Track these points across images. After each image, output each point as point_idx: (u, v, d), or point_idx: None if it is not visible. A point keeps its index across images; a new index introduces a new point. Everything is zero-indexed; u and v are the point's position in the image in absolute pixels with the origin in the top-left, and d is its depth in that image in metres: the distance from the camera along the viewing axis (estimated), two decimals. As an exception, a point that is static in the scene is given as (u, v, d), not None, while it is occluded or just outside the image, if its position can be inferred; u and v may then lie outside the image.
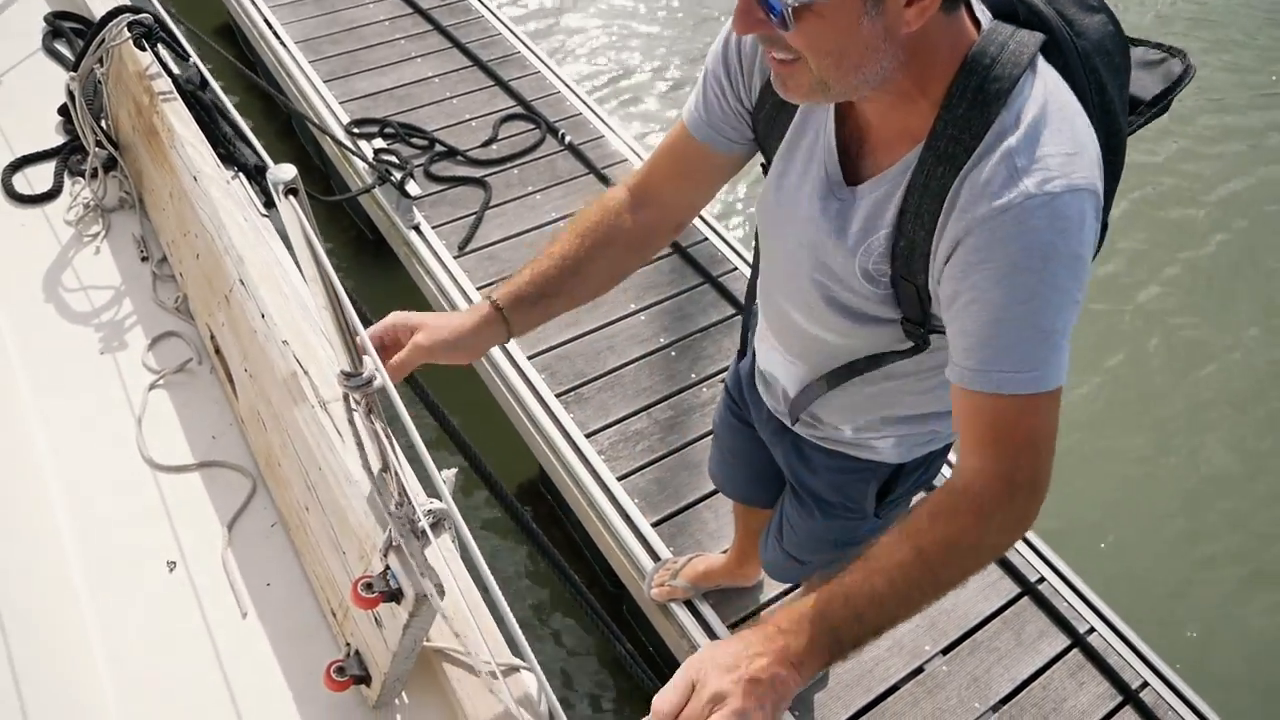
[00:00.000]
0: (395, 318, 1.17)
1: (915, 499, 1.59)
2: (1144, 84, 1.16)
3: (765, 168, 1.21)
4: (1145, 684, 2.44)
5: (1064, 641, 2.50)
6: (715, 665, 0.85)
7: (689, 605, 2.46)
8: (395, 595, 1.13)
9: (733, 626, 2.43)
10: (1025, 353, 0.94)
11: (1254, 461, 3.56)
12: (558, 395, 2.94)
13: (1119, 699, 2.42)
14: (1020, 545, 2.63)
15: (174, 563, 1.39)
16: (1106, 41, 1.07)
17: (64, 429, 1.55)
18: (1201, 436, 3.63)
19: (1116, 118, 1.07)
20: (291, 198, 0.90)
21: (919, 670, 2.43)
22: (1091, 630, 2.52)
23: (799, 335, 1.29)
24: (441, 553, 1.18)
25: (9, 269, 1.81)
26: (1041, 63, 0.97)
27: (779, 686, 0.85)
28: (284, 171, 0.90)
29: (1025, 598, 2.57)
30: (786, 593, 2.50)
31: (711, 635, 2.40)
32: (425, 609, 1.11)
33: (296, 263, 1.23)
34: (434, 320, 1.18)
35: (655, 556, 2.55)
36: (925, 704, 2.38)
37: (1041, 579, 2.60)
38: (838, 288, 1.14)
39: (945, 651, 2.46)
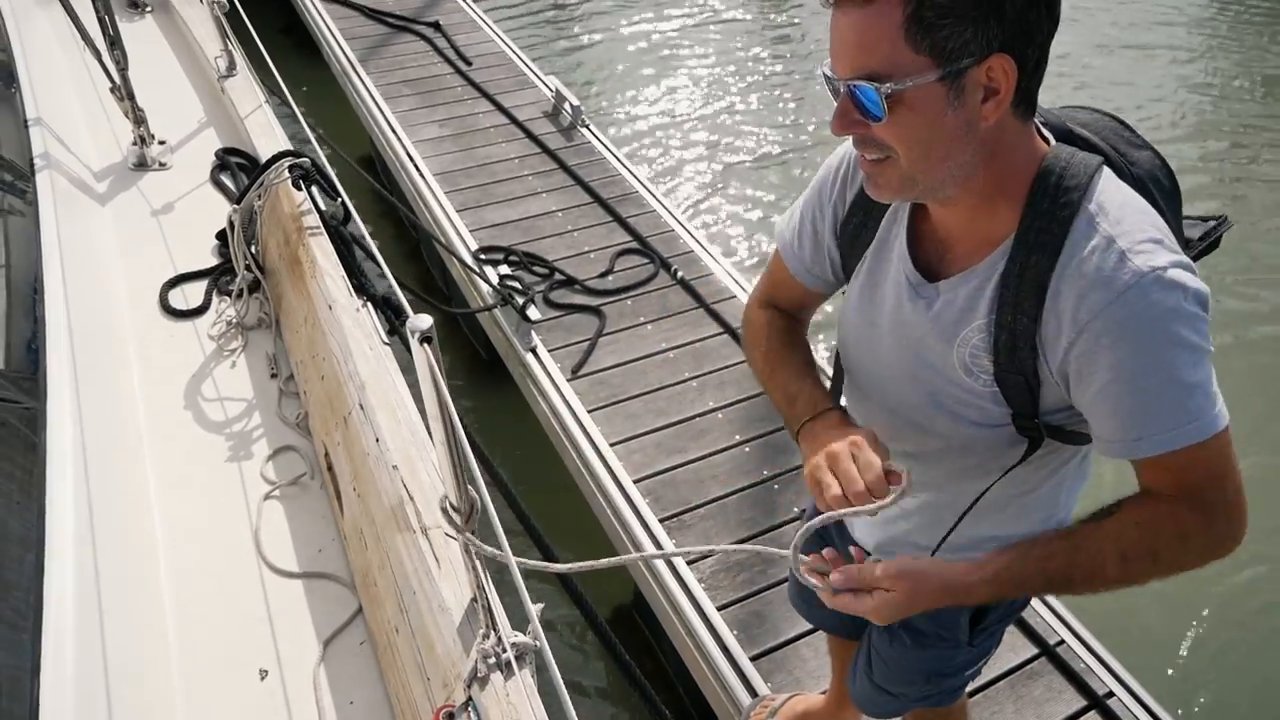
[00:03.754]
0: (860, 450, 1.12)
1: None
2: (1191, 232, 1.24)
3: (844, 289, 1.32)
4: None
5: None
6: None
7: None
8: (473, 729, 1.15)
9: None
10: (1180, 410, 1.00)
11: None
12: (661, 520, 2.93)
13: None
14: (1140, 711, 2.48)
15: (266, 671, 1.44)
16: (1157, 172, 1.16)
17: (183, 529, 1.66)
18: None
19: (1175, 237, 1.13)
20: (425, 345, 0.98)
21: None
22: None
23: (906, 445, 1.29)
24: (523, 687, 1.19)
25: (155, 375, 1.97)
26: (1108, 171, 1.06)
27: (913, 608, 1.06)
28: (421, 321, 0.98)
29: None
30: None
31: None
32: (502, 746, 1.12)
33: (414, 392, 1.31)
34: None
35: (753, 691, 2.48)
36: None
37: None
38: (940, 382, 1.18)
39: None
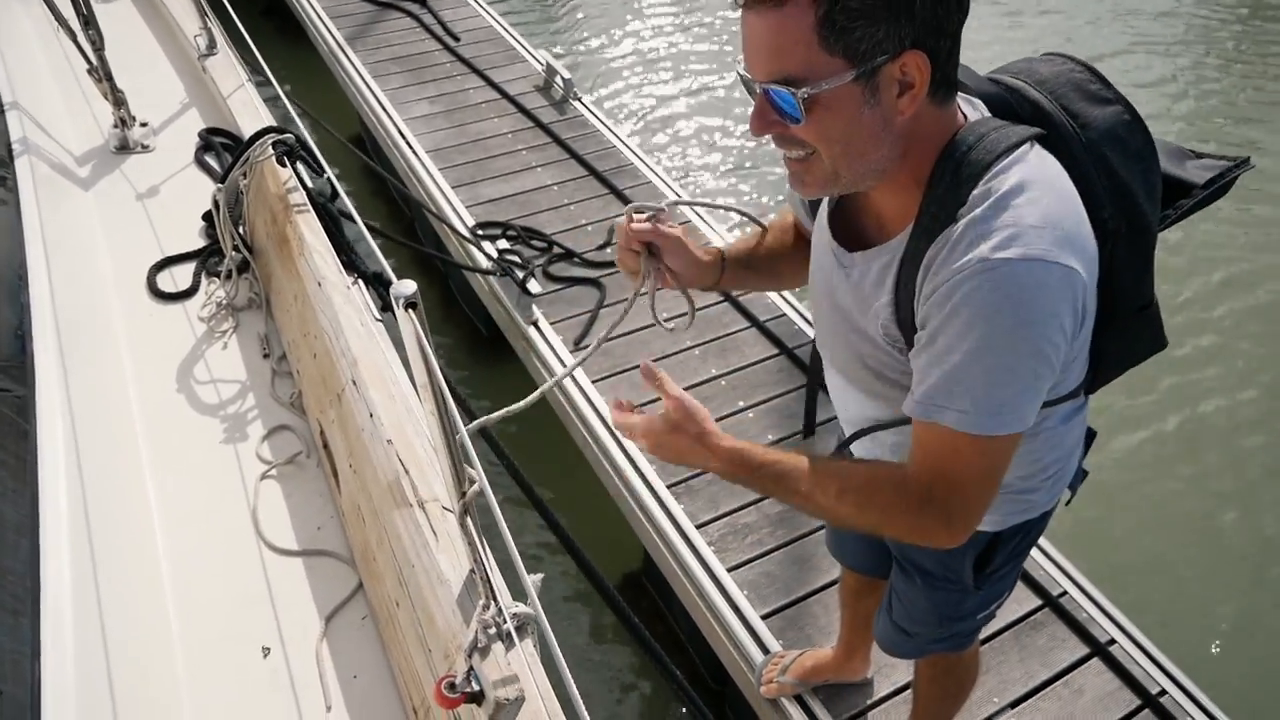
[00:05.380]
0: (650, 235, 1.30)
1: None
2: (1199, 175, 1.21)
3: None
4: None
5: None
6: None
7: (799, 701, 2.39)
8: (477, 698, 1.13)
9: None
10: (959, 394, 1.01)
11: None
12: (669, 486, 2.93)
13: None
14: (1140, 656, 2.55)
15: (268, 649, 1.43)
16: (1119, 129, 1.12)
17: (180, 512, 1.64)
18: None
19: (1134, 199, 1.12)
20: (410, 311, 0.95)
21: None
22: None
23: (843, 391, 1.39)
24: (525, 657, 1.17)
25: (146, 359, 1.94)
26: (1035, 150, 1.03)
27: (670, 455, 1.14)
28: (405, 287, 0.95)
29: (1146, 710, 2.45)
30: (898, 692, 2.43)
31: (822, 731, 2.34)
32: (504, 715, 1.10)
33: (407, 368, 1.28)
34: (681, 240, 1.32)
35: (764, 649, 2.51)
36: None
37: (1163, 691, 2.49)
38: (866, 347, 1.22)
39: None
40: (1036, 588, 2.67)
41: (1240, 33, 6.86)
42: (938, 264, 1.02)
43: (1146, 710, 2.44)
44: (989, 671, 2.44)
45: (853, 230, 1.20)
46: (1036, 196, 0.99)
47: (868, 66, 0.94)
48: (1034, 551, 2.36)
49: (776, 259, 1.44)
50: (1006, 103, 1.12)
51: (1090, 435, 1.44)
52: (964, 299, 0.98)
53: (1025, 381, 1.00)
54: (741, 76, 1.04)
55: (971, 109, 1.09)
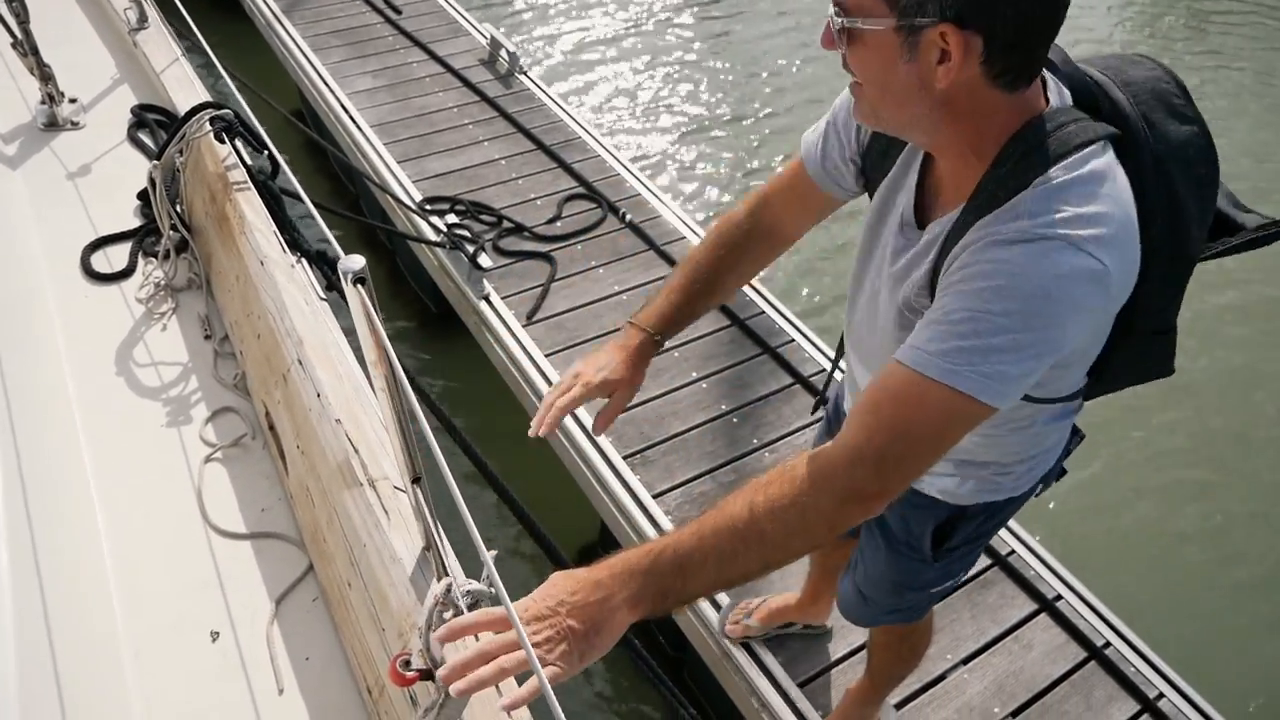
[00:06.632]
0: (580, 388, 1.35)
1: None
2: (1250, 221, 1.20)
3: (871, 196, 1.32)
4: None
5: (1133, 707, 2.46)
6: (531, 616, 0.95)
7: (756, 660, 2.42)
8: (432, 675, 1.12)
9: (803, 685, 2.40)
10: (942, 342, 0.97)
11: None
12: (625, 457, 2.94)
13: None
14: (1086, 610, 2.64)
15: (217, 633, 1.41)
16: (1189, 150, 1.10)
17: (123, 497, 1.60)
18: None
19: (1184, 223, 1.09)
20: (359, 286, 0.93)
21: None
22: (1161, 696, 2.46)
23: (874, 360, 1.35)
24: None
25: (82, 342, 1.88)
26: (1107, 154, 1.01)
27: (586, 640, 0.97)
28: (353, 262, 0.94)
29: (1092, 662, 2.54)
30: (854, 652, 2.48)
31: (779, 690, 2.37)
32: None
33: (354, 346, 1.25)
34: (612, 372, 1.38)
35: (717, 608, 2.55)
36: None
37: (1108, 644, 2.58)
38: (902, 312, 1.22)
39: (1014, 715, 2.42)
40: (986, 547, 2.73)
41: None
42: (978, 230, 1.00)
43: (1093, 662, 2.52)
44: (942, 630, 2.51)
45: (921, 206, 1.19)
46: (1097, 194, 0.97)
47: (907, 23, 0.95)
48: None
49: (722, 279, 1.45)
50: (1091, 95, 1.10)
51: (1079, 437, 1.45)
52: (991, 260, 0.96)
53: (1026, 361, 0.95)
54: None
55: (1057, 94, 1.07)
